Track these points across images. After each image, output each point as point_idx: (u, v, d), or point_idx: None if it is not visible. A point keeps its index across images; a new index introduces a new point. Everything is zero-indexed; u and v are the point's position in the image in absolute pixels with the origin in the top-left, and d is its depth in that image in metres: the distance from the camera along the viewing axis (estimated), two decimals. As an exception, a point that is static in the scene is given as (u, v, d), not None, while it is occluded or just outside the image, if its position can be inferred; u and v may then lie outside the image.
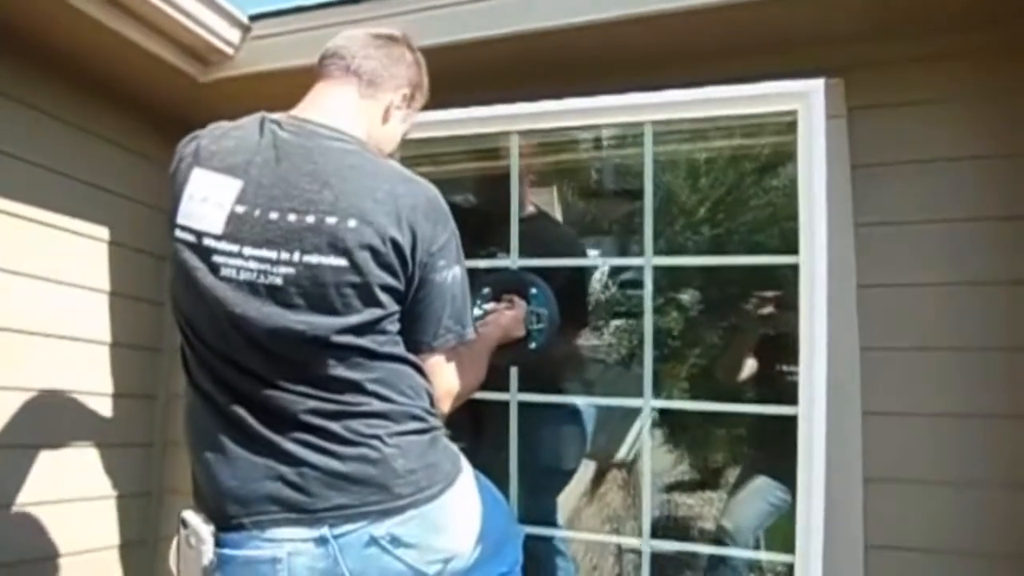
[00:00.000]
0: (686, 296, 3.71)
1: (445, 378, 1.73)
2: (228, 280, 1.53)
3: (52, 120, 2.71)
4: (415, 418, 1.62)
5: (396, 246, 1.55)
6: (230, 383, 1.56)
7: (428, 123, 2.33)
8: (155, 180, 2.94)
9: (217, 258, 1.53)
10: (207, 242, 1.54)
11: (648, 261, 2.38)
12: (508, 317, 2.32)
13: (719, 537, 3.29)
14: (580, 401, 2.71)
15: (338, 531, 1.53)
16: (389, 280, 1.56)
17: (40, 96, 2.65)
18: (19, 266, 2.59)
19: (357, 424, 1.55)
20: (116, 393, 2.91)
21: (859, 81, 2.39)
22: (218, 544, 1.56)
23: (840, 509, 2.17)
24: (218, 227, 1.54)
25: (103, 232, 2.90)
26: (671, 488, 4.59)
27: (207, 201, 1.56)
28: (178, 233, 1.57)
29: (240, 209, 1.54)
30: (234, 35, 2.71)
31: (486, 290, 2.42)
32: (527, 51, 2.45)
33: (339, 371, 1.55)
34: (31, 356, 2.61)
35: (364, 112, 1.74)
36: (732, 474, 3.79)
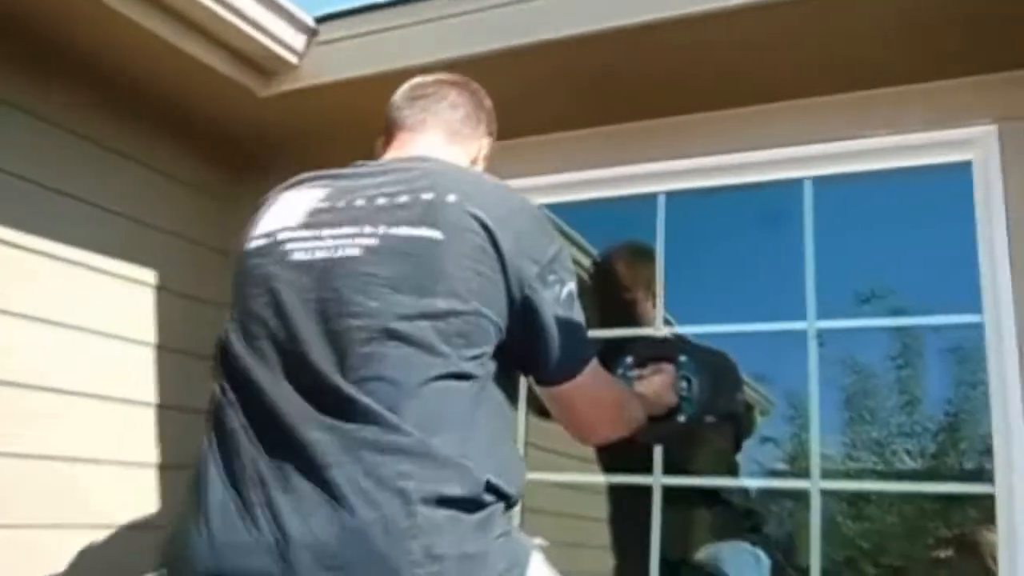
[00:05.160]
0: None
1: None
2: (299, 264, 1.48)
3: (85, 143, 2.56)
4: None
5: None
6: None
7: (555, 186, 2.37)
8: (208, 214, 2.84)
9: (290, 245, 1.51)
10: (281, 236, 1.52)
11: (811, 324, 2.32)
12: (657, 382, 2.25)
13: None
14: (740, 483, 2.54)
15: None
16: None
17: (70, 115, 2.50)
18: (49, 313, 2.43)
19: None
20: (163, 464, 2.73)
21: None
22: None
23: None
24: (295, 221, 1.54)
25: (149, 276, 2.71)
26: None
27: (286, 211, 1.58)
28: (249, 246, 1.57)
29: (323, 204, 1.54)
30: (299, 41, 2.54)
31: (629, 358, 2.36)
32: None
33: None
34: (63, 417, 2.44)
35: (453, 157, 1.74)
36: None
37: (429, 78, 1.85)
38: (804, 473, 2.31)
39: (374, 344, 1.38)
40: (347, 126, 2.52)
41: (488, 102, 1.87)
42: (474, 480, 1.36)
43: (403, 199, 1.49)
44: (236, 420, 1.43)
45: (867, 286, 2.66)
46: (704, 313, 2.52)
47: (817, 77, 2.27)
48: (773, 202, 2.56)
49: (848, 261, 2.58)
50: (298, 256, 1.49)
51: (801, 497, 2.34)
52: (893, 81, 2.27)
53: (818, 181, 2.35)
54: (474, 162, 1.81)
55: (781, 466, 3.02)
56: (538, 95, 2.40)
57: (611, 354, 2.32)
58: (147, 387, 2.71)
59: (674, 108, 2.43)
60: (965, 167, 2.25)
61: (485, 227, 1.46)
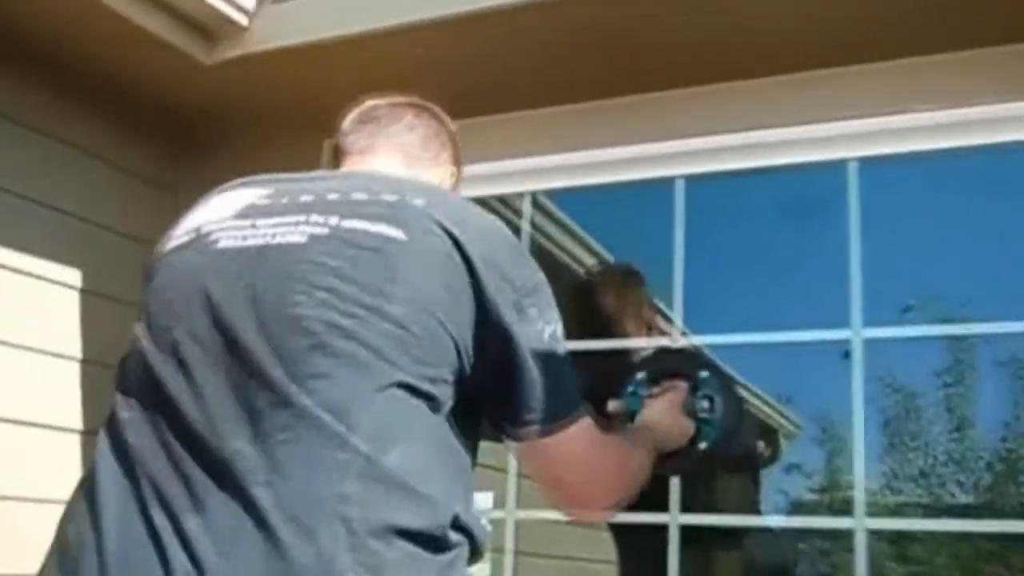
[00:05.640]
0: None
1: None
2: (226, 251, 1.34)
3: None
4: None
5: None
6: None
7: (554, 169, 2.25)
8: (142, 203, 2.62)
9: (216, 235, 1.37)
10: (206, 228, 1.38)
11: (856, 333, 2.08)
12: (666, 407, 1.98)
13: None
14: (773, 522, 2.30)
15: None
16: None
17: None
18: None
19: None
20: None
21: None
22: None
23: None
24: (225, 214, 1.40)
25: (73, 276, 2.48)
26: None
27: (216, 209, 1.43)
28: (165, 247, 1.43)
29: (261, 201, 1.41)
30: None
31: (641, 375, 2.09)
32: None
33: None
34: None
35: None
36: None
37: (382, 100, 1.71)
38: (838, 506, 2.05)
39: (319, 337, 1.21)
40: (303, 100, 2.40)
41: (452, 127, 1.73)
42: (439, 511, 1.20)
43: (359, 196, 1.37)
44: (136, 432, 1.25)
45: (919, 288, 2.41)
46: (727, 320, 2.25)
47: (865, 40, 2.05)
48: (811, 188, 2.32)
49: (899, 258, 2.32)
50: (225, 244, 1.34)
51: (838, 536, 2.08)
52: (954, 45, 2.02)
53: (865, 163, 2.11)
54: None
55: (811, 497, 2.76)
56: (531, 60, 2.19)
57: (620, 370, 2.12)
58: (71, 410, 2.46)
59: (693, 77, 2.20)
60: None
61: (453, 237, 1.31)
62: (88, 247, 2.53)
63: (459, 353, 1.28)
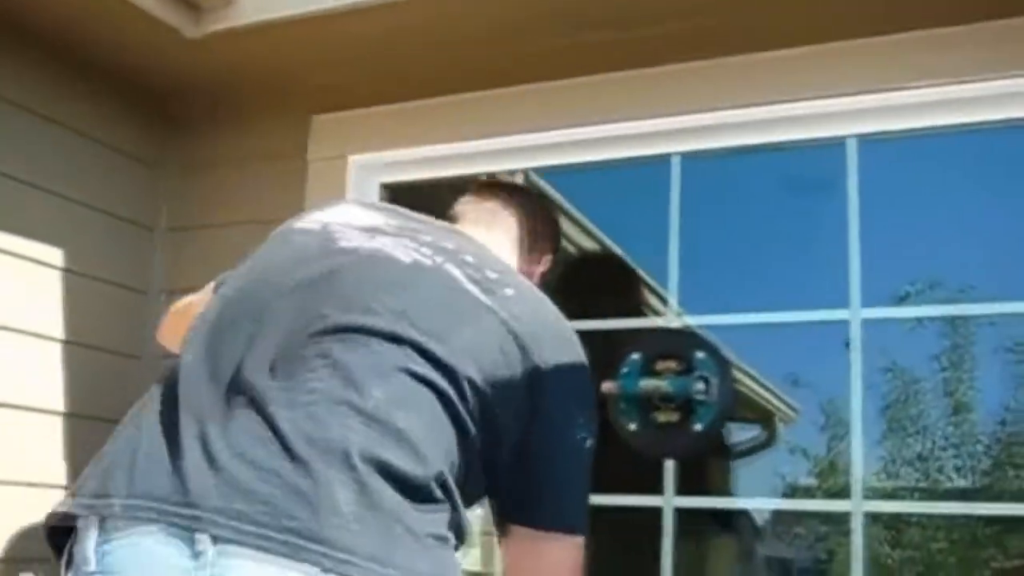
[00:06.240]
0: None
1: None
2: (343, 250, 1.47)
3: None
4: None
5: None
6: None
7: (546, 147, 2.23)
8: (126, 181, 2.57)
9: (339, 234, 1.50)
10: (332, 226, 1.52)
11: (855, 314, 2.04)
12: None
13: None
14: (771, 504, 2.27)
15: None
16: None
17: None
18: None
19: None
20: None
21: None
22: None
23: None
24: (349, 221, 1.54)
25: (55, 255, 2.41)
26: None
27: (340, 211, 1.60)
28: (293, 225, 1.57)
29: (380, 222, 1.55)
30: (238, -33, 2.31)
31: (637, 355, 2.12)
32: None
33: None
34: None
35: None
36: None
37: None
38: (835, 490, 2.02)
39: (366, 333, 1.32)
40: (296, 76, 2.37)
41: (554, 216, 1.89)
42: (427, 464, 1.25)
43: (469, 258, 1.48)
44: (194, 360, 1.35)
45: (919, 270, 2.36)
46: (725, 300, 2.21)
47: (864, 14, 1.98)
48: (809, 166, 2.28)
49: (898, 238, 2.27)
50: (344, 244, 1.46)
51: (834, 520, 2.04)
52: (955, 19, 1.95)
53: (864, 140, 2.06)
54: (529, 275, 1.73)
55: (807, 481, 2.73)
56: (525, 35, 2.12)
57: (615, 350, 2.13)
58: (53, 392, 2.40)
59: (689, 52, 2.12)
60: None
61: (528, 339, 1.39)
62: (70, 226, 2.47)
63: (489, 415, 1.35)
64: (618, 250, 2.72)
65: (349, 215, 1.58)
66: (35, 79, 2.40)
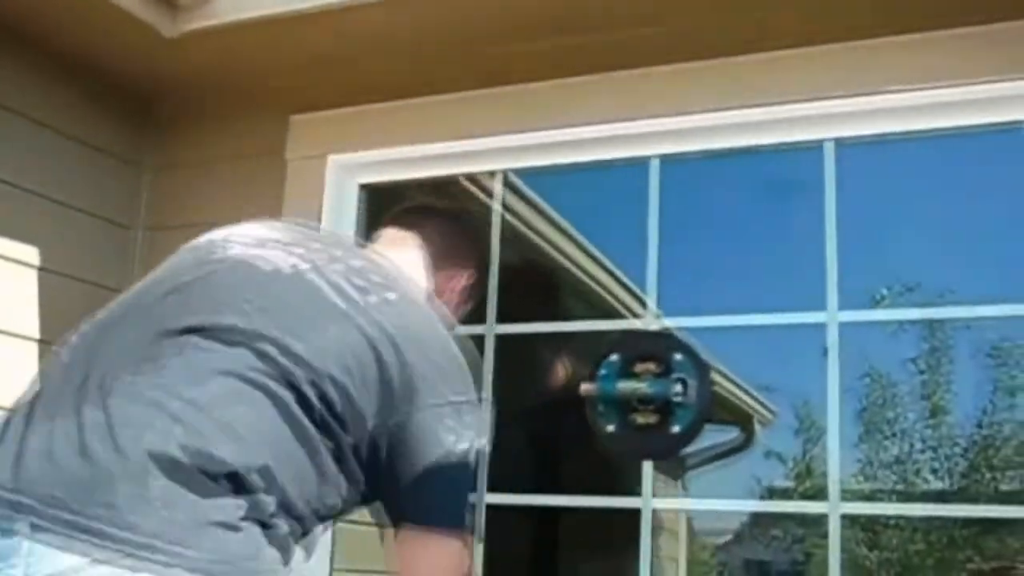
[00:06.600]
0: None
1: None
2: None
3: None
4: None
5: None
6: None
7: (521, 148, 2.20)
8: (104, 180, 2.55)
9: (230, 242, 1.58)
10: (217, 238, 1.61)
11: (832, 317, 2.03)
12: None
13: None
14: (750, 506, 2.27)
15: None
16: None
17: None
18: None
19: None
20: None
21: None
22: None
23: None
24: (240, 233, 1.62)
25: (30, 254, 2.38)
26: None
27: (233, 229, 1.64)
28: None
29: (274, 234, 1.61)
30: (216, -36, 2.31)
31: (614, 356, 2.11)
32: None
33: None
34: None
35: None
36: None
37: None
38: (812, 493, 2.02)
39: (210, 334, 1.39)
40: (274, 76, 2.37)
41: (472, 234, 1.93)
42: (247, 456, 1.29)
43: (356, 263, 1.56)
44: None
45: (896, 273, 2.37)
46: (703, 302, 2.21)
47: (843, 19, 1.99)
48: (787, 169, 2.30)
49: (875, 241, 2.27)
50: (219, 255, 1.53)
51: (811, 522, 2.05)
52: (933, 24, 1.94)
53: (841, 144, 2.06)
54: (440, 293, 1.79)
55: (784, 483, 2.74)
56: (503, 37, 2.12)
57: (591, 352, 2.14)
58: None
59: (667, 55, 2.12)
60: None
61: (395, 342, 1.44)
62: (47, 224, 2.45)
63: (356, 414, 1.41)
64: (596, 252, 2.72)
65: (243, 231, 1.63)
66: (11, 78, 2.38)
